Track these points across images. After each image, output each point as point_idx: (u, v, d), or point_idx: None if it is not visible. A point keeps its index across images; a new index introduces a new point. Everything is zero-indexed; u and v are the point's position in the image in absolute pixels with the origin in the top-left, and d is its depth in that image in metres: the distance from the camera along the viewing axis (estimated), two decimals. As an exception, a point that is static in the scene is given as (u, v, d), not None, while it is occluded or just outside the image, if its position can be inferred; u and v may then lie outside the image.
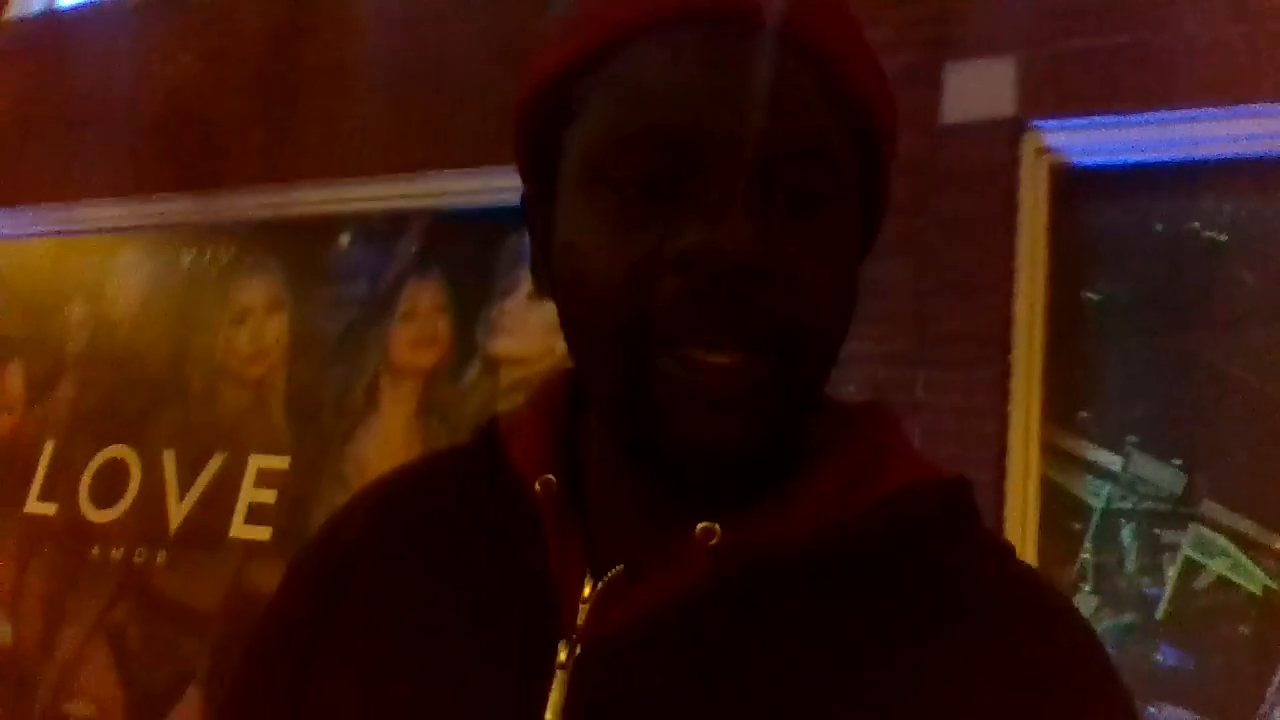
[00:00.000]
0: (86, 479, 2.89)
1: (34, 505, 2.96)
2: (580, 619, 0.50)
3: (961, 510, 0.54)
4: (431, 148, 2.67)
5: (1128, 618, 1.62)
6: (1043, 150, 1.98)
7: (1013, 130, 1.98)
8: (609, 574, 0.51)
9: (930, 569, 0.51)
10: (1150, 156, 1.91)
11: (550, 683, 0.49)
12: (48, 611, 2.77)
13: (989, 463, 1.71)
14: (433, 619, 0.54)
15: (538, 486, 0.54)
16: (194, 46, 3.37)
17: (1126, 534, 1.66)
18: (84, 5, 4.13)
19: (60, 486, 2.94)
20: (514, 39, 2.57)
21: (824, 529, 0.51)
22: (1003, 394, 1.76)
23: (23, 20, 4.17)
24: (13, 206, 3.52)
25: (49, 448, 3.02)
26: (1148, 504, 1.66)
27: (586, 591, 0.51)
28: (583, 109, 0.51)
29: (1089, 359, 1.82)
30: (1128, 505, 1.67)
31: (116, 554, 2.72)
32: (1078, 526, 1.70)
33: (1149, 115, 1.90)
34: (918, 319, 1.87)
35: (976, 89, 2.03)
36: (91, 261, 3.26)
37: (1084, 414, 1.77)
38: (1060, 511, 1.71)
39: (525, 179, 0.57)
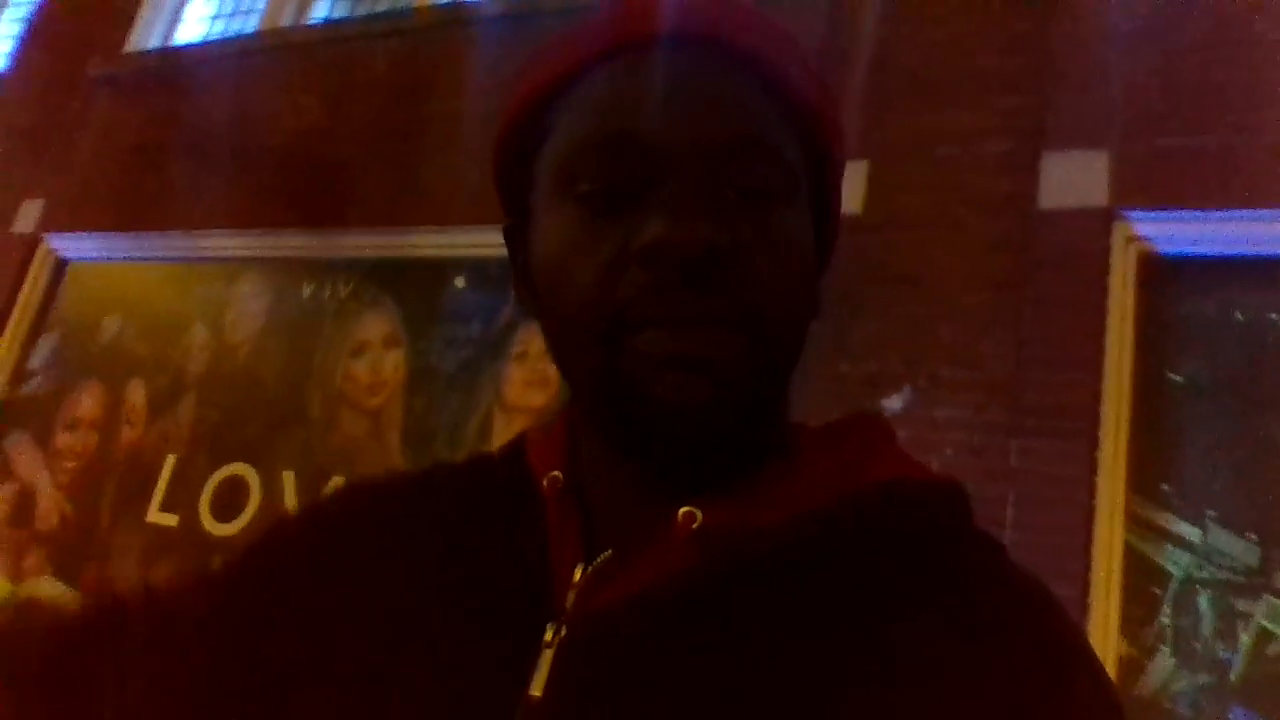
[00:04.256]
0: (207, 493, 3.17)
1: (155, 515, 3.24)
2: (569, 601, 0.54)
3: (949, 507, 0.56)
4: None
5: (1203, 679, 1.81)
6: (1132, 238, 2.19)
7: (1105, 219, 2.19)
8: (599, 559, 0.54)
9: (916, 560, 0.52)
10: (1233, 250, 2.11)
11: (538, 660, 0.52)
12: (170, 616, 3.04)
13: (1077, 528, 1.91)
14: (437, 601, 0.58)
15: (545, 483, 0.58)
16: (317, 90, 3.66)
17: (1203, 601, 1.86)
18: (201, 43, 4.47)
19: (181, 499, 3.22)
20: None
21: (804, 515, 0.53)
22: (1091, 465, 1.97)
23: (142, 54, 4.51)
24: (138, 231, 3.84)
25: (170, 461, 3.31)
26: (1224, 574, 1.86)
27: (577, 575, 0.55)
28: (551, 132, 0.56)
29: (1172, 436, 2.01)
30: (1205, 575, 1.87)
31: (236, 566, 2.98)
32: (1158, 592, 1.90)
33: (1233, 211, 2.10)
34: (1013, 390, 2.09)
35: (1072, 178, 2.24)
36: (213, 288, 3.55)
37: (1166, 487, 1.97)
38: (1142, 576, 1.91)
39: (505, 207, 0.62)
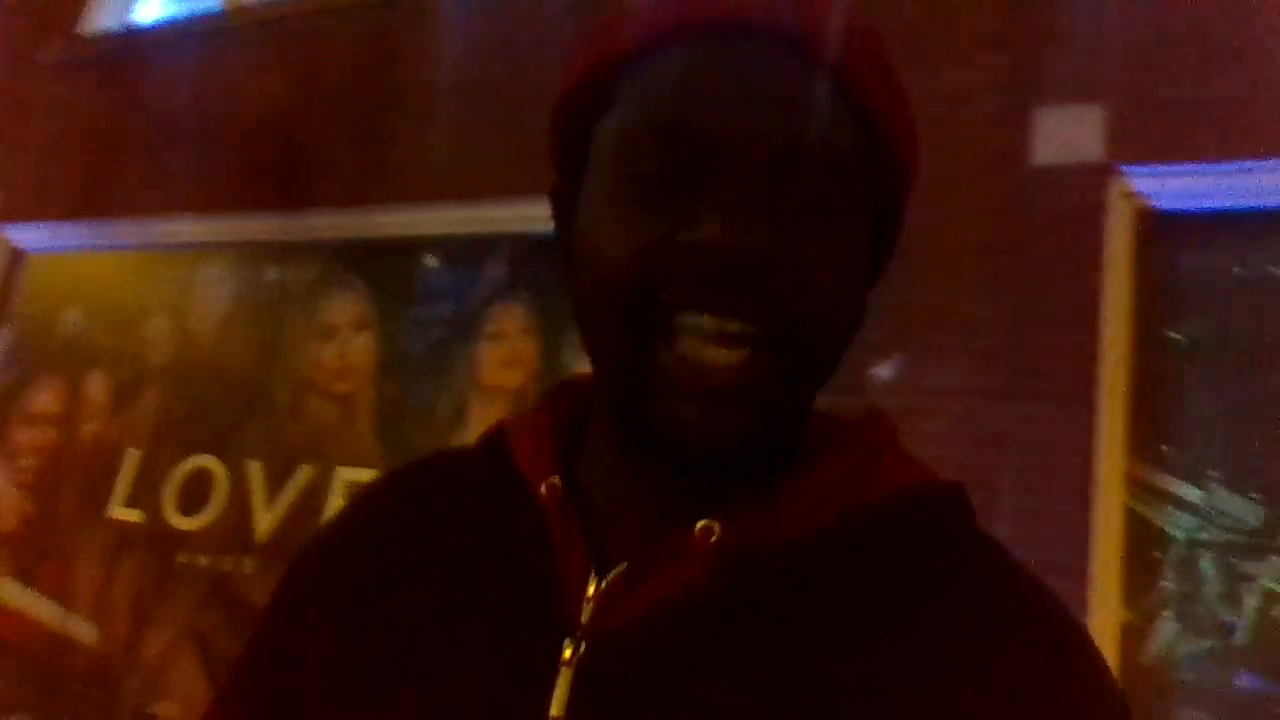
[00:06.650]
0: (171, 487, 3.13)
1: (119, 511, 3.21)
2: (585, 617, 0.53)
3: (958, 511, 0.58)
4: (519, 172, 2.87)
5: (1207, 644, 1.80)
6: (1129, 194, 2.17)
7: (1100, 174, 2.17)
8: (613, 572, 0.54)
9: (927, 566, 0.53)
10: (1232, 203, 2.09)
11: (555, 679, 0.52)
12: (134, 615, 3.01)
13: (1076, 493, 1.90)
14: (438, 620, 0.57)
15: (543, 489, 0.57)
16: (281, 67, 3.63)
17: (1207, 564, 1.84)
18: (163, 22, 4.43)
19: (145, 494, 3.18)
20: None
21: (822, 526, 0.54)
22: (1089, 428, 1.95)
23: (100, 35, 4.47)
24: (96, 219, 3.80)
25: (133, 456, 3.27)
26: (1228, 536, 1.84)
27: (591, 590, 0.54)
28: (615, 104, 0.55)
29: (1172, 396, 2.00)
30: (1208, 537, 1.86)
31: (203, 561, 2.96)
32: (1159, 556, 1.88)
33: (1232, 163, 2.08)
34: (1009, 354, 2.07)
35: (1066, 133, 2.22)
36: (175, 275, 3.52)
37: (1167, 448, 1.95)
38: (1143, 541, 1.89)
39: (556, 169, 0.62)
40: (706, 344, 0.50)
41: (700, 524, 0.52)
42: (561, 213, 0.61)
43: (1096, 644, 0.54)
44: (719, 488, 0.53)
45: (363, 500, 0.70)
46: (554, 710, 0.51)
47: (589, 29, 0.59)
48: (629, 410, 0.53)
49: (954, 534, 0.56)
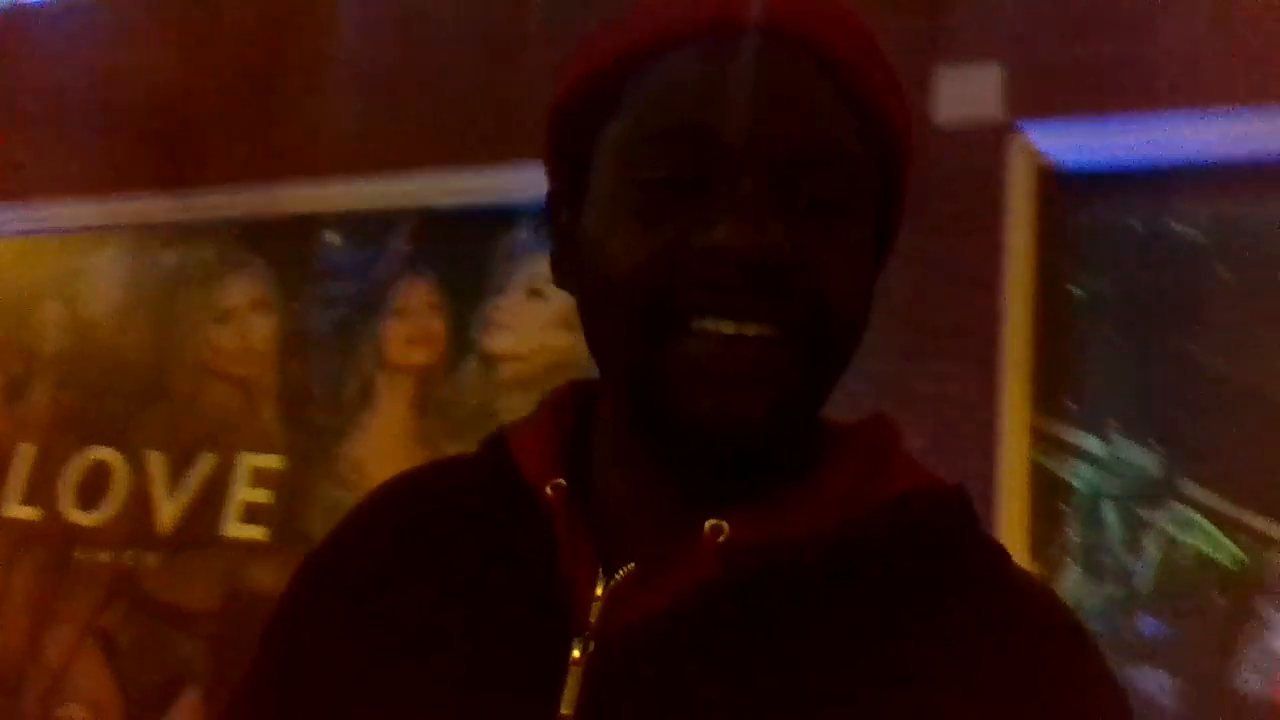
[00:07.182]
0: (69, 481, 3.02)
1: (14, 509, 3.08)
2: (593, 617, 0.54)
3: (964, 515, 0.60)
4: (419, 146, 2.82)
5: (1111, 590, 1.84)
6: (1029, 151, 2.19)
7: (1000, 132, 2.19)
8: (621, 572, 0.55)
9: (934, 569, 0.55)
10: (1132, 158, 2.13)
11: (565, 679, 0.53)
12: (34, 616, 2.90)
13: (982, 449, 1.91)
14: (445, 623, 0.57)
15: (549, 491, 0.58)
16: (172, 40, 3.50)
17: (1110, 513, 1.88)
18: (44, -4, 4.25)
19: (41, 489, 3.06)
20: (503, 38, 2.75)
21: (833, 528, 0.54)
22: (994, 385, 1.97)
23: (-20, 10, 4.27)
24: (-21, 204, 3.64)
25: (27, 451, 3.14)
26: (1129, 485, 1.88)
27: (599, 590, 0.55)
28: (618, 109, 0.56)
29: (1074, 351, 2.03)
30: (1110, 487, 1.89)
31: (104, 556, 2.86)
32: (1064, 507, 1.92)
33: (1131, 119, 2.11)
34: (912, 314, 2.07)
35: (966, 92, 2.23)
36: (65, 261, 3.38)
37: (1070, 402, 1.98)
38: (1048, 493, 1.92)
39: (552, 173, 0.62)
40: (722, 346, 0.50)
41: (709, 523, 0.53)
42: (557, 215, 0.61)
43: (1101, 647, 0.56)
44: (727, 488, 0.54)
45: (366, 506, 0.70)
46: (564, 710, 0.52)
47: (590, 33, 0.59)
48: (646, 406, 0.53)
49: (961, 537, 0.58)
